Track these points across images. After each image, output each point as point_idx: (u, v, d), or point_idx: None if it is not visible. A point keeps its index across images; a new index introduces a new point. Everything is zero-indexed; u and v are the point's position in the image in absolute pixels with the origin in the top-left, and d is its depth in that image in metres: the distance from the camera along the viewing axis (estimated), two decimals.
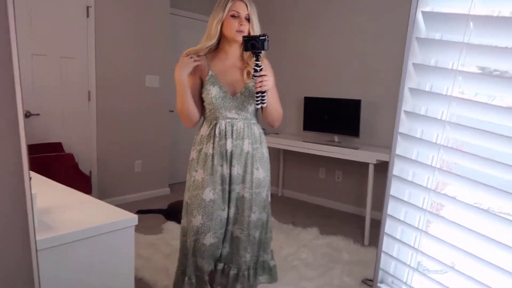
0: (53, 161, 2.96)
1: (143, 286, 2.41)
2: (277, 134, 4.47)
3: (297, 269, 2.69)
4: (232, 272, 1.85)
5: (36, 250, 1.08)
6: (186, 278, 1.85)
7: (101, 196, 3.63)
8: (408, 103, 1.22)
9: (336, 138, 3.89)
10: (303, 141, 3.93)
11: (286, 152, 4.63)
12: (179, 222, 3.41)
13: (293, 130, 4.55)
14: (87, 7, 3.55)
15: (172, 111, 4.41)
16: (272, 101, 1.79)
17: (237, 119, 1.80)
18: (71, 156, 3.18)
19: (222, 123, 1.79)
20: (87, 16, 3.56)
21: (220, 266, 1.89)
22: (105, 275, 1.40)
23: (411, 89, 1.20)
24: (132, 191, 4.16)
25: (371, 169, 3.28)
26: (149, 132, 4.26)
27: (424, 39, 1.15)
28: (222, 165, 1.78)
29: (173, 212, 3.58)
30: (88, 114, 3.71)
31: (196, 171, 1.81)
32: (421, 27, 1.15)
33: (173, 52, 4.26)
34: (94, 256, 1.36)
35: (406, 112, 1.22)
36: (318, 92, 4.27)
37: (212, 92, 1.76)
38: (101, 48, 3.69)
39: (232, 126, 1.79)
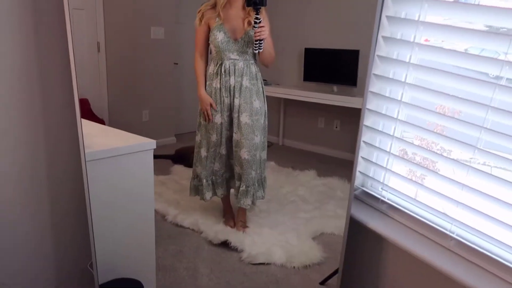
0: None
1: (156, 215, 2.70)
2: (278, 84, 4.65)
3: (295, 203, 2.97)
4: (242, 188, 2.26)
5: (85, 161, 1.33)
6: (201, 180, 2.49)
7: None
8: (382, 49, 1.44)
9: (335, 88, 4.07)
10: (303, 90, 4.12)
11: (287, 103, 4.82)
12: (186, 165, 3.70)
13: (294, 81, 4.72)
14: None
15: (177, 63, 4.57)
16: (267, 47, 2.21)
17: (238, 60, 2.24)
18: (86, 101, 3.40)
19: (226, 63, 2.24)
20: None
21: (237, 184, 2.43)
22: (131, 190, 1.66)
23: (384, 37, 1.42)
24: None
25: None
26: (155, 84, 4.44)
27: None
28: (227, 97, 2.17)
29: (180, 157, 3.86)
30: (98, 64, 3.89)
31: None
32: None
33: (178, 4, 4.36)
34: (122, 173, 1.61)
35: (379, 56, 1.44)
36: (318, 43, 4.40)
37: (218, 37, 2.19)
38: None
39: (235, 66, 2.24)
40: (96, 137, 1.73)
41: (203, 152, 2.42)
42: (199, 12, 2.25)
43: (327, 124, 4.51)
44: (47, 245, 1.63)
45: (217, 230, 2.43)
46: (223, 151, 2.41)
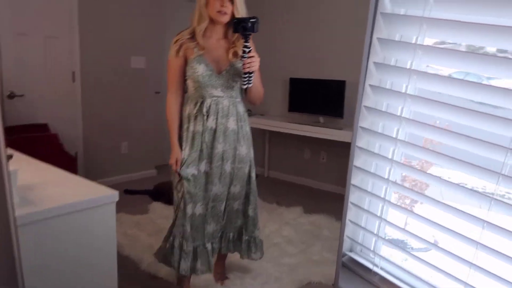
0: (37, 142, 2.97)
1: (129, 263, 2.47)
2: (263, 115, 4.51)
3: (278, 246, 2.77)
4: (214, 245, 1.97)
5: (16, 226, 1.12)
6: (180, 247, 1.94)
7: (88, 177, 3.62)
8: (373, 77, 1.26)
9: (321, 119, 3.95)
10: (289, 122, 3.98)
11: (272, 133, 4.68)
12: (165, 202, 3.49)
13: (278, 111, 4.60)
14: None
15: (158, 92, 4.41)
16: (256, 81, 1.87)
17: (222, 97, 1.87)
18: (55, 137, 3.20)
19: (208, 101, 1.86)
20: None
21: (215, 245, 2.04)
22: (87, 251, 1.45)
23: (376, 64, 1.23)
24: (119, 172, 4.19)
25: None
26: (135, 114, 4.27)
27: (389, 14, 1.18)
28: (207, 142, 1.86)
29: (159, 193, 3.64)
30: (73, 94, 3.70)
31: (184, 149, 1.90)
32: (386, 2, 1.18)
33: (158, 33, 4.24)
34: (76, 231, 1.40)
35: (371, 86, 1.26)
36: (303, 73, 4.30)
37: (199, 70, 1.81)
38: (85, 27, 3.66)
39: (217, 105, 1.87)
40: (51, 186, 1.53)
41: (189, 210, 1.89)
42: (175, 42, 1.83)
43: (313, 156, 4.37)
44: None
45: (196, 283, 2.21)
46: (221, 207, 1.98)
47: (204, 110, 1.84)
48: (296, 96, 4.21)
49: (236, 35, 1.83)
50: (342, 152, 4.04)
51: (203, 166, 1.90)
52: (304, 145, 4.47)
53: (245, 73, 1.77)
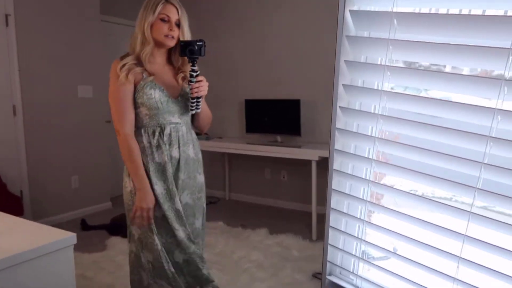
0: None
1: None
2: (221, 138, 4.45)
3: (248, 272, 2.68)
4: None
5: None
6: None
7: (36, 217, 3.37)
8: (343, 99, 1.26)
9: (278, 138, 3.95)
10: (247, 143, 3.94)
11: (231, 156, 4.62)
12: (123, 236, 3.28)
13: (236, 133, 4.55)
14: (6, 15, 3.30)
15: (109, 121, 4.22)
16: (204, 106, 1.78)
17: (180, 123, 1.73)
18: None
19: (168, 129, 1.70)
20: (7, 25, 3.31)
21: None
22: None
23: (344, 86, 1.24)
24: (70, 208, 3.91)
25: (314, 166, 3.36)
26: (85, 145, 4.04)
27: (354, 37, 1.20)
28: (173, 174, 1.71)
29: (117, 227, 3.43)
30: (15, 130, 3.44)
31: (156, 184, 1.68)
32: (350, 25, 1.20)
33: (106, 61, 4.08)
34: (31, 281, 1.25)
35: (341, 108, 1.26)
36: (258, 94, 4.31)
37: (155, 96, 1.66)
38: (25, 58, 3.44)
39: (177, 132, 1.72)
40: None
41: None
42: (123, 66, 1.64)
43: (273, 175, 4.35)
44: None
45: None
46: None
47: (165, 138, 1.70)
48: (253, 117, 4.20)
49: (181, 59, 1.74)
50: (301, 170, 4.06)
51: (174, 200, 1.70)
52: (264, 165, 4.44)
53: (193, 98, 1.68)
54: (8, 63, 3.35)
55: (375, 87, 1.19)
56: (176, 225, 1.69)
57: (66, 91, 3.81)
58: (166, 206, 1.67)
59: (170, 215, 1.68)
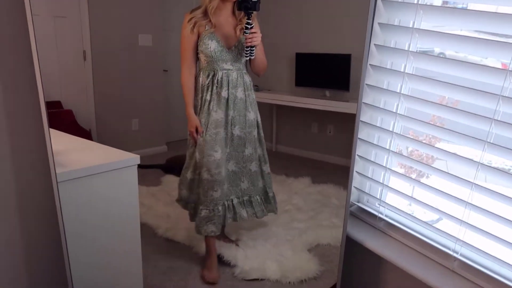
0: (53, 118, 3.04)
1: (146, 230, 2.61)
2: (269, 90, 4.57)
3: (289, 213, 2.89)
4: (234, 202, 2.16)
5: (57, 182, 1.23)
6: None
7: None
8: (374, 57, 1.36)
9: (327, 92, 4.00)
10: (295, 96, 4.05)
11: (279, 108, 4.74)
12: (177, 175, 3.60)
13: (285, 86, 4.64)
14: None
15: (166, 70, 4.47)
16: (259, 54, 2.10)
17: (231, 70, 2.11)
18: (70, 112, 3.29)
19: (219, 74, 2.08)
20: None
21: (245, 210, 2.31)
22: (113, 209, 1.57)
23: (376, 45, 1.33)
24: (131, 148, 4.22)
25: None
26: (145, 92, 4.34)
27: (389, 1, 1.28)
28: (217, 111, 2.04)
29: (171, 167, 3.75)
30: (84, 73, 3.78)
31: (201, 115, 2.12)
32: None
33: (166, 11, 4.27)
34: (104, 190, 1.52)
35: (372, 65, 1.36)
36: (309, 48, 4.32)
37: (211, 46, 2.03)
38: (93, 6, 3.70)
39: (228, 77, 2.10)
40: (75, 152, 1.64)
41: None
42: (190, 20, 2.03)
43: (320, 129, 4.43)
44: (22, 279, 1.52)
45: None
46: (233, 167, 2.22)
47: (216, 81, 2.07)
48: (303, 70, 4.26)
49: (242, 13, 1.99)
50: (348, 126, 4.08)
51: (210, 132, 2.14)
52: (311, 119, 4.53)
53: (247, 47, 1.99)
54: (79, 11, 3.63)
55: (406, 49, 1.28)
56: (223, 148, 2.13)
57: (128, 39, 4.08)
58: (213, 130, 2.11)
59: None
